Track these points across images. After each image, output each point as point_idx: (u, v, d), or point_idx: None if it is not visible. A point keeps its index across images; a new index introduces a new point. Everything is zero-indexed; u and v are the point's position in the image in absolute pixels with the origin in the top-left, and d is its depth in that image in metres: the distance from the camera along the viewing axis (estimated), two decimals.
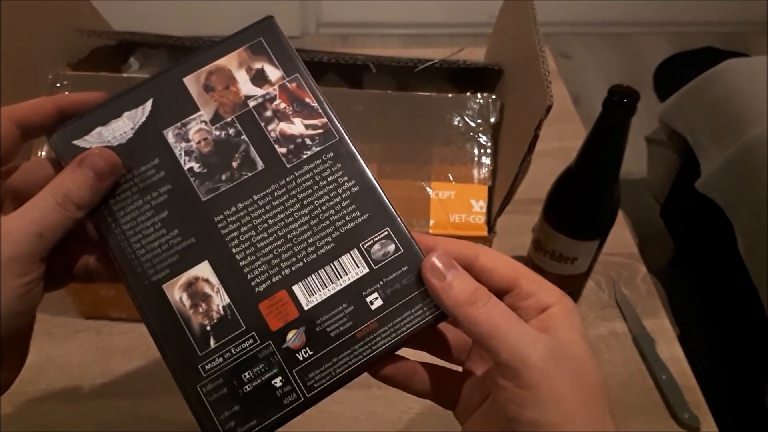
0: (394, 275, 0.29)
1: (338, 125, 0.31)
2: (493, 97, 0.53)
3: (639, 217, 1.22)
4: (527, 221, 0.66)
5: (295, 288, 0.29)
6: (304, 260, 0.29)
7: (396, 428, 0.54)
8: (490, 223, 0.50)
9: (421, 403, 0.55)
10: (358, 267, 0.29)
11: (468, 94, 0.54)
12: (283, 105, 0.31)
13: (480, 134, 0.52)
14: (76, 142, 0.30)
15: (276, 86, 0.31)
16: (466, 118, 0.52)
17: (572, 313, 0.28)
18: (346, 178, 0.30)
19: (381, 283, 0.29)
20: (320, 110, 0.31)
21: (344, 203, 0.30)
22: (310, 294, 0.29)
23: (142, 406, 0.55)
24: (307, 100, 0.31)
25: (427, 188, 0.51)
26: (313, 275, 0.29)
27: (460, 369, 0.33)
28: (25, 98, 0.52)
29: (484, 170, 0.51)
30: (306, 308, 0.29)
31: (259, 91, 0.31)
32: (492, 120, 0.52)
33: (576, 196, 0.55)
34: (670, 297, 1.11)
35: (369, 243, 0.30)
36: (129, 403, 0.55)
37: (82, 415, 0.55)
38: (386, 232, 0.30)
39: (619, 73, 1.94)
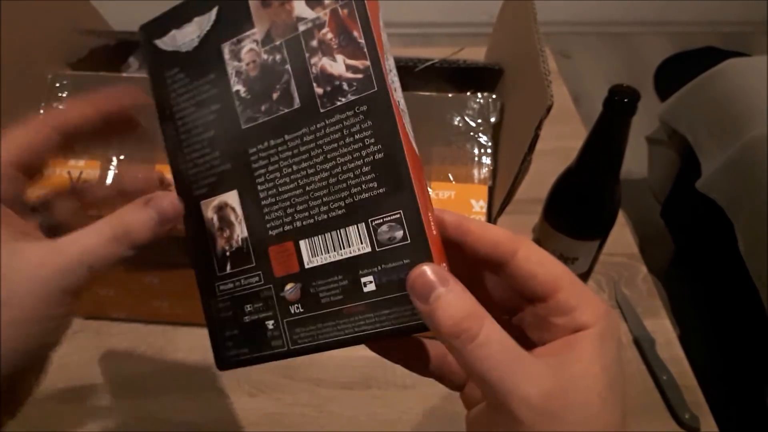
0: (393, 265, 0.26)
1: (382, 73, 0.26)
2: (493, 96, 0.53)
3: (639, 217, 1.21)
4: (528, 221, 0.65)
5: (302, 243, 0.28)
6: (315, 218, 0.27)
7: (396, 428, 0.54)
8: (491, 223, 0.50)
9: (421, 404, 0.55)
10: (361, 243, 0.27)
11: (468, 94, 0.54)
12: (329, 35, 0.27)
13: (480, 134, 0.52)
14: (156, 42, 0.30)
15: (327, 11, 0.27)
16: (466, 118, 0.52)
17: (607, 338, 0.24)
18: (372, 141, 0.26)
19: (379, 268, 0.26)
20: (365, 50, 0.26)
21: (364, 169, 0.26)
22: (312, 254, 0.28)
23: (142, 407, 0.55)
24: (355, 34, 0.26)
25: (427, 188, 0.51)
26: (319, 236, 0.27)
27: None
28: (25, 98, 0.52)
29: (485, 170, 0.51)
30: (306, 266, 0.28)
31: (310, 14, 0.27)
32: (492, 120, 0.52)
33: (576, 196, 0.55)
34: (670, 297, 1.11)
35: (378, 221, 0.26)
36: (129, 404, 0.55)
37: (82, 415, 0.55)
38: (398, 215, 0.26)
39: (620, 72, 1.94)
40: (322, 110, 0.27)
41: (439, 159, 0.52)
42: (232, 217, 0.29)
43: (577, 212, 0.55)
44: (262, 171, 0.28)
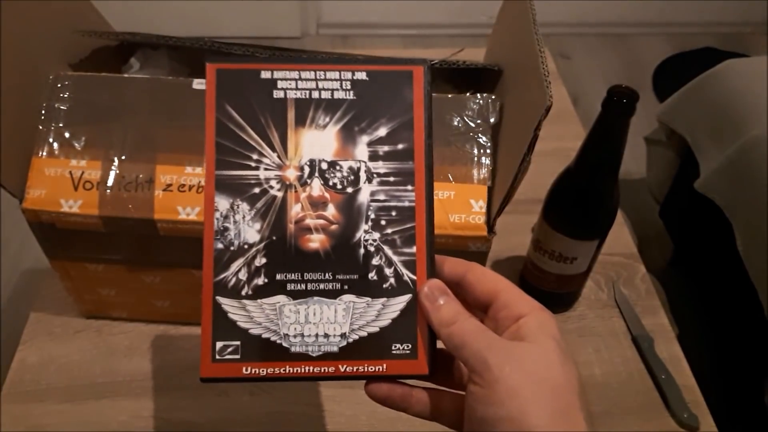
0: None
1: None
2: (493, 97, 0.53)
3: (638, 217, 1.22)
4: (527, 221, 0.66)
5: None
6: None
7: (396, 428, 0.54)
8: (490, 223, 0.51)
9: None
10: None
11: (467, 94, 0.54)
12: None
13: (479, 134, 0.52)
14: None
15: None
16: (465, 119, 0.53)
17: (545, 322, 0.30)
18: None
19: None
20: None
21: None
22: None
23: (143, 406, 0.55)
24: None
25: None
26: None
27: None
28: (26, 99, 0.52)
29: (484, 170, 0.52)
30: None
31: None
32: (491, 120, 0.53)
33: (575, 197, 0.55)
34: (669, 297, 1.11)
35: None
36: (129, 403, 0.55)
37: (83, 415, 0.55)
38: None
39: (619, 73, 1.94)
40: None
41: (438, 159, 0.52)
42: None
43: (576, 212, 0.55)
44: None
